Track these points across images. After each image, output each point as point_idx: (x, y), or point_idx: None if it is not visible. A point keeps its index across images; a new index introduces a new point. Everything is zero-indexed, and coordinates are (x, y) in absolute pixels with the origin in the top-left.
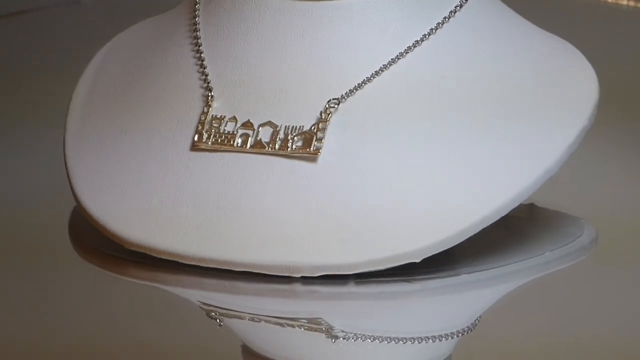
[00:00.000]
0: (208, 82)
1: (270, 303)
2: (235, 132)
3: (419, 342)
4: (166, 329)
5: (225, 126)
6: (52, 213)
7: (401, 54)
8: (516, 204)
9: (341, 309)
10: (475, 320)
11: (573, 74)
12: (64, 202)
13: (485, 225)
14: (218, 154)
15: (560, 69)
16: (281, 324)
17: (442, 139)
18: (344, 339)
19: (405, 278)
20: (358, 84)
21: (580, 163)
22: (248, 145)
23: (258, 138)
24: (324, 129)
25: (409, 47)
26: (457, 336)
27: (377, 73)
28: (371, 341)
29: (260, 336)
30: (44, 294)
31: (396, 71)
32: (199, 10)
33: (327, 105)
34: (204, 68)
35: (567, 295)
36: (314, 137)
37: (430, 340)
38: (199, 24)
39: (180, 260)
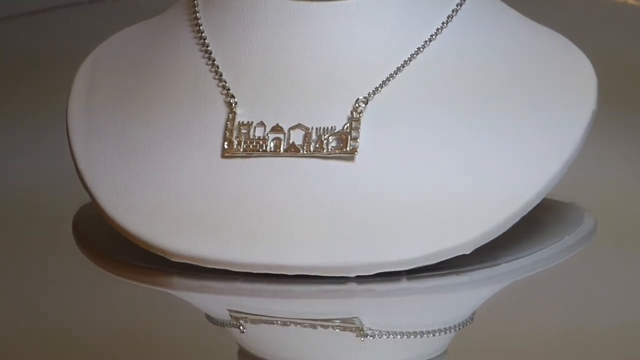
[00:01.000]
0: (228, 89)
1: (303, 305)
2: (266, 137)
3: (427, 336)
4: (166, 331)
5: (255, 131)
6: (55, 214)
7: (419, 49)
8: (550, 188)
9: (372, 307)
10: (473, 313)
11: (571, 63)
12: (67, 202)
13: (527, 211)
14: (252, 159)
15: (559, 60)
16: (314, 326)
17: (470, 131)
18: (371, 336)
19: (454, 270)
20: (382, 81)
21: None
22: (281, 149)
23: (291, 141)
24: (357, 128)
25: (426, 42)
26: (456, 329)
27: (398, 70)
28: (394, 337)
29: (272, 340)
30: (48, 294)
31: (415, 68)
32: (199, 13)
33: (356, 105)
34: (220, 75)
35: (568, 284)
36: (349, 137)
37: (437, 334)
38: (203, 31)
39: (232, 269)
